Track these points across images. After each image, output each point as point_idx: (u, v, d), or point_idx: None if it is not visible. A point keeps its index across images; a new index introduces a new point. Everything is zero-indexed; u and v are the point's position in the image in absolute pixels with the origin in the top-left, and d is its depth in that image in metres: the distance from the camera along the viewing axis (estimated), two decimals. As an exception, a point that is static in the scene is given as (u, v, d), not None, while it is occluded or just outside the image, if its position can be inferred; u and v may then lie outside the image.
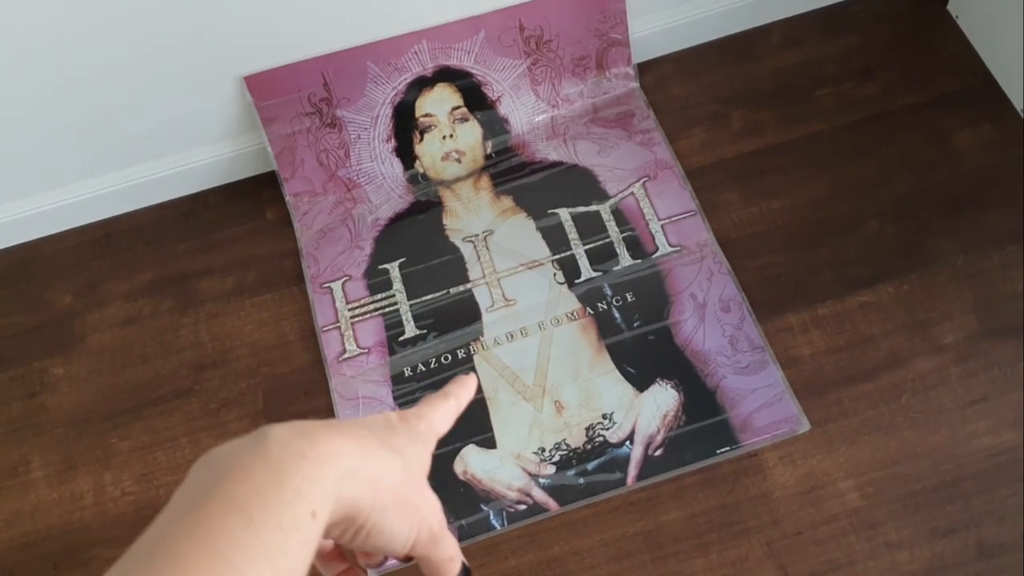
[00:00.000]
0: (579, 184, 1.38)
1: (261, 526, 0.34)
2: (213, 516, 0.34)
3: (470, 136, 1.42)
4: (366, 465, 0.39)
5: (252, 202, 1.45)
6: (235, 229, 1.43)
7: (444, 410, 0.47)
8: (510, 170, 1.41)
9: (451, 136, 1.42)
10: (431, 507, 0.43)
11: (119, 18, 1.20)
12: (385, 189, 1.42)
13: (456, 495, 1.17)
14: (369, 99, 1.39)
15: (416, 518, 0.41)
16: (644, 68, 1.46)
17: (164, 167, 1.42)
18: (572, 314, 1.27)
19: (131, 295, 1.39)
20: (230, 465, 0.36)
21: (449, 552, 0.44)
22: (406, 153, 1.42)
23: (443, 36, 1.36)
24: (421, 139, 1.42)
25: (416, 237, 1.37)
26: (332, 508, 0.37)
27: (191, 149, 1.41)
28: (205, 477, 0.36)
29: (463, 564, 0.46)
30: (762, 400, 1.18)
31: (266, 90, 1.34)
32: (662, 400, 1.20)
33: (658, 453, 1.17)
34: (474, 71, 1.40)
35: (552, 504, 1.16)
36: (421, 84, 1.40)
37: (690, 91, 1.45)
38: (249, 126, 1.39)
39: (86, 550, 1.21)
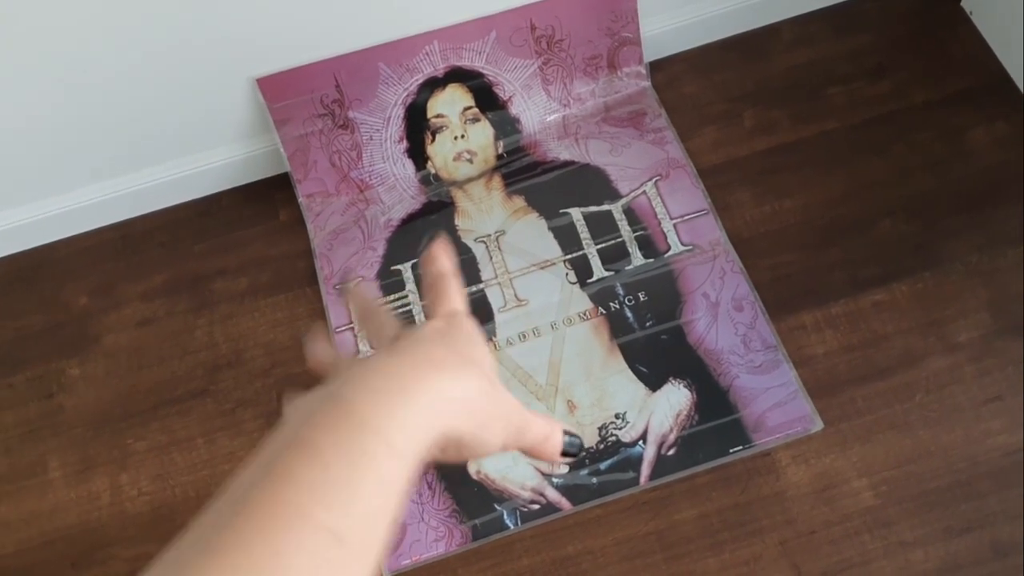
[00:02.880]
0: (591, 183, 1.38)
1: (334, 468, 0.33)
2: (289, 463, 0.33)
3: (482, 136, 1.42)
4: (452, 386, 0.38)
5: (266, 204, 1.46)
6: (249, 230, 1.44)
7: (460, 292, 0.46)
8: (522, 170, 1.41)
9: (463, 136, 1.42)
10: (509, 401, 0.41)
11: (132, 21, 1.21)
12: (398, 190, 1.42)
13: (470, 494, 1.18)
14: (381, 100, 1.39)
15: (504, 420, 0.40)
16: (655, 67, 1.46)
17: (178, 169, 1.43)
18: (584, 314, 1.28)
19: (147, 296, 1.40)
20: (308, 413, 0.35)
21: (541, 432, 0.42)
22: (418, 154, 1.42)
23: (454, 37, 1.36)
24: (433, 140, 1.42)
25: (428, 238, 1.38)
26: (427, 439, 0.36)
27: (205, 151, 1.42)
28: (287, 428, 0.35)
29: (565, 434, 0.43)
30: (775, 399, 1.18)
31: (278, 92, 1.35)
32: (675, 399, 1.20)
33: (671, 452, 1.17)
34: (485, 71, 1.40)
35: (565, 504, 1.16)
36: (433, 85, 1.40)
37: (702, 90, 1.44)
38: (262, 128, 1.40)
39: (103, 549, 1.22)
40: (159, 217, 1.47)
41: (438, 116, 1.42)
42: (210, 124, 1.39)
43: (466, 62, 1.39)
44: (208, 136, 1.40)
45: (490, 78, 1.41)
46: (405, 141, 1.42)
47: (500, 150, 1.43)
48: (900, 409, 1.16)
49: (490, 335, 1.28)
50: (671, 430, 1.18)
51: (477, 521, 1.17)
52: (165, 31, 1.23)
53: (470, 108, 1.42)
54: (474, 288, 1.32)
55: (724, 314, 1.25)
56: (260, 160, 1.45)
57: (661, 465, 1.17)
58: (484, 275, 1.33)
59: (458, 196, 1.41)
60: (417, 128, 1.42)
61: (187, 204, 1.47)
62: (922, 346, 1.20)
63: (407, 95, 1.40)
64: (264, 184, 1.48)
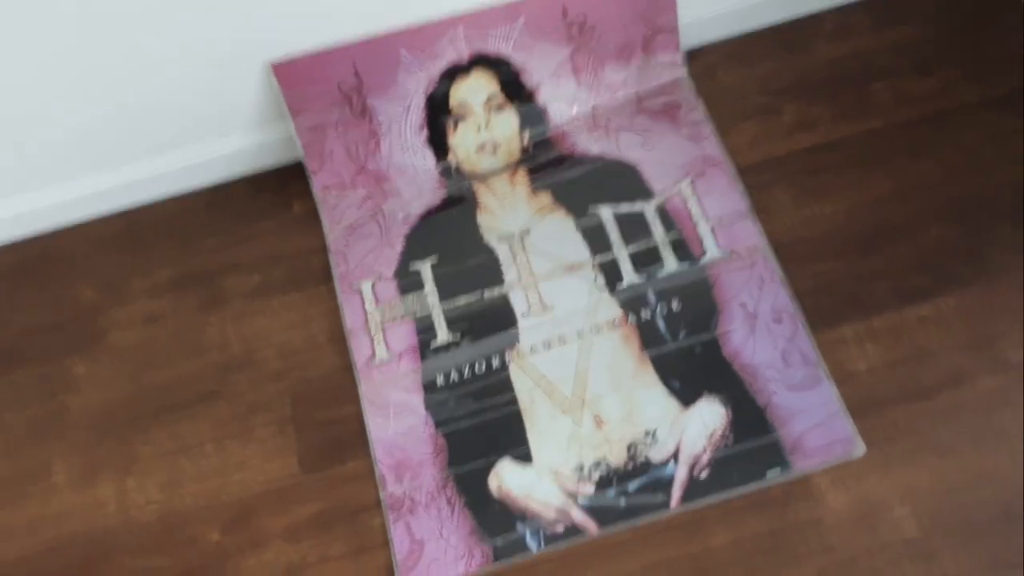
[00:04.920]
0: (622, 180, 1.31)
1: None
2: None
3: (506, 127, 1.35)
4: None
5: (279, 194, 1.39)
6: (261, 223, 1.37)
7: None
8: (548, 164, 1.34)
9: (486, 126, 1.35)
10: None
11: (143, 4, 1.14)
12: (417, 183, 1.35)
13: (491, 512, 1.13)
14: (401, 87, 1.32)
15: None
16: (691, 56, 1.39)
17: (188, 157, 1.36)
18: (613, 322, 1.21)
19: (154, 291, 1.34)
20: None
21: None
22: (439, 145, 1.35)
23: (480, 22, 1.28)
24: (455, 129, 1.35)
25: (449, 235, 1.31)
26: None
27: (216, 138, 1.35)
28: None
29: None
30: (815, 419, 1.12)
31: (294, 78, 1.28)
32: (709, 417, 1.14)
33: (703, 475, 1.12)
34: (512, 58, 1.33)
35: (591, 526, 1.11)
36: (456, 72, 1.32)
37: (740, 81, 1.37)
38: (276, 115, 1.33)
39: (110, 558, 1.17)
40: (168, 207, 1.40)
41: (461, 104, 1.34)
42: (222, 110, 1.32)
43: (492, 48, 1.31)
44: (220, 123, 1.34)
45: (517, 65, 1.33)
46: (426, 130, 1.35)
47: (525, 142, 1.36)
48: (945, 432, 1.10)
49: (512, 341, 1.22)
50: (704, 450, 1.13)
51: (498, 540, 1.11)
52: (177, 12, 1.16)
53: (495, 96, 1.34)
54: (496, 291, 1.26)
55: (762, 326, 1.19)
56: (273, 148, 1.38)
57: (693, 488, 1.11)
58: (507, 277, 1.27)
59: (480, 191, 1.34)
60: (438, 117, 1.34)
61: (197, 193, 1.41)
62: (970, 364, 1.13)
63: (429, 82, 1.32)
64: (277, 173, 1.41)
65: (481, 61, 1.32)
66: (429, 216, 1.33)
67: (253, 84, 1.28)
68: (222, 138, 1.35)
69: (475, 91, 1.34)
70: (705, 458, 1.13)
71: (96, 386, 1.28)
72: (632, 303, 1.22)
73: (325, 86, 1.29)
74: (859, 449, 1.10)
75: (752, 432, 1.13)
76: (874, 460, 1.10)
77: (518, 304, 1.25)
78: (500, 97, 1.34)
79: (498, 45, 1.31)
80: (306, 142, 1.33)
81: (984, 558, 1.04)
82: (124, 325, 1.32)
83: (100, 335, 1.32)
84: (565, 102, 1.36)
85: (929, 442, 1.10)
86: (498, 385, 1.20)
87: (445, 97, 1.34)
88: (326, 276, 1.31)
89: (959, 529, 1.05)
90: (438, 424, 1.18)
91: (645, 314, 1.21)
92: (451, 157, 1.35)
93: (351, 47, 1.27)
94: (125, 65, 1.21)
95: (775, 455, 1.11)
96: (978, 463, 1.08)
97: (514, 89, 1.34)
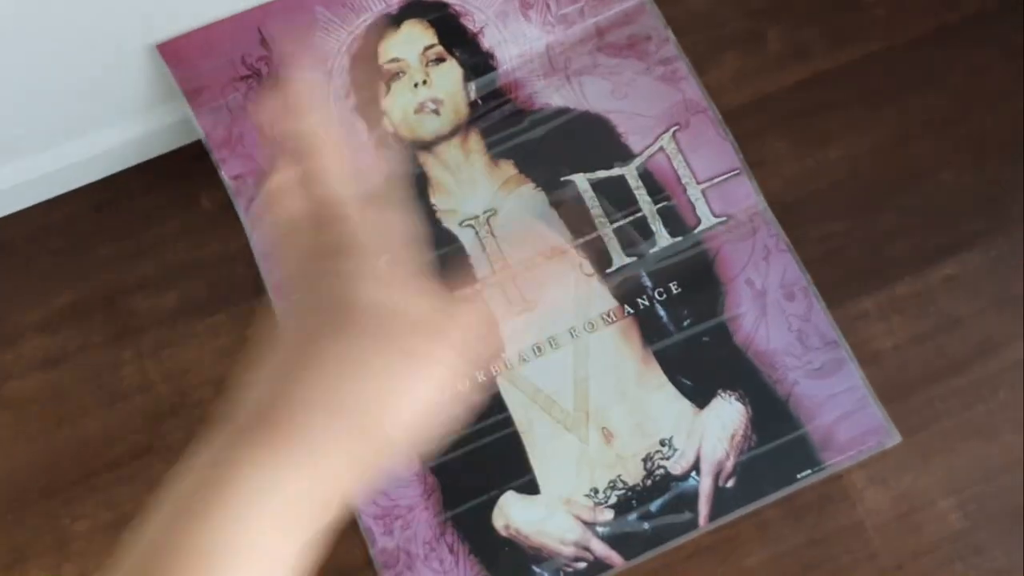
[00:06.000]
0: (594, 138, 1.13)
1: None
2: None
3: (448, 80, 1.13)
4: None
5: (181, 185, 1.14)
6: (165, 225, 1.13)
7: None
8: (504, 123, 1.14)
9: (424, 83, 1.12)
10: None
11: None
12: (349, 159, 1.13)
13: (501, 556, 1.00)
14: (319, 51, 1.07)
15: None
16: (653, -28, 1.18)
17: (64, 156, 1.10)
18: (608, 315, 1.06)
19: (48, 325, 1.11)
20: None
21: None
22: (370, 113, 1.13)
23: (412, -35, 1.04)
24: (388, 91, 1.12)
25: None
26: None
27: (94, 132, 1.09)
28: None
29: None
30: (843, 408, 1.02)
31: (187, 57, 1.02)
32: (727, 417, 1.03)
33: (730, 484, 1.01)
34: (450, 1, 1.09)
35: (616, 558, 1.00)
36: (384, 25, 1.09)
37: (713, 3, 1.17)
38: (167, 95, 1.07)
39: (59, 658, 1.01)
40: (46, 213, 1.14)
41: (393, 60, 1.11)
42: (98, 100, 1.05)
43: (427, -7, 1.08)
44: (97, 114, 1.07)
45: (456, 8, 1.10)
46: (352, 96, 1.12)
47: (473, 95, 1.14)
48: (983, 410, 1.02)
49: (497, 351, 1.06)
50: (727, 456, 1.02)
51: (513, 586, 1.00)
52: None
53: (432, 47, 1.12)
54: (469, 290, 1.08)
55: (774, 305, 1.06)
56: (168, 133, 1.12)
57: (721, 500, 1.01)
58: (479, 272, 1.09)
59: (429, 164, 1.13)
60: (368, 79, 1.11)
61: (81, 192, 1.15)
62: (1001, 329, 1.04)
63: (352, 40, 1.08)
64: (175, 157, 1.16)
65: (413, 8, 1.09)
66: (371, 200, 1.12)
67: (135, 70, 1.02)
68: (102, 130, 1.09)
69: (408, 43, 1.11)
70: (729, 464, 1.02)
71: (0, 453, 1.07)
72: (626, 290, 1.07)
73: (224, 59, 1.04)
74: (894, 438, 1.01)
75: (777, 429, 1.02)
76: (911, 449, 1.01)
77: (497, 304, 1.07)
78: (438, 48, 1.12)
79: (434, -12, 1.07)
80: (208, 128, 1.08)
81: (1034, 545, 0.98)
82: (18, 372, 1.09)
83: (-10, 388, 1.09)
84: (515, 43, 1.14)
85: (967, 423, 1.01)
86: (488, 405, 1.04)
87: (373, 54, 1.10)
88: (257, 286, 1.10)
89: (1005, 517, 0.99)
90: (424, 460, 1.03)
91: (642, 302, 1.06)
92: (386, 123, 1.13)
93: (254, 13, 1.01)
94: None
95: (805, 454, 1.01)
96: (1018, 443, 1.01)
97: (454, 37, 1.12)
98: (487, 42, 1.13)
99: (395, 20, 1.09)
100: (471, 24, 1.11)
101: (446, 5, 1.09)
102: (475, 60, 1.13)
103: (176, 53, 1.01)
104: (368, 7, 1.06)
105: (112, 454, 1.06)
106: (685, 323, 1.06)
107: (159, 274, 1.12)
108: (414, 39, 1.11)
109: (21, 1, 0.88)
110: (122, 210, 1.14)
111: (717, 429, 1.02)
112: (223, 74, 1.05)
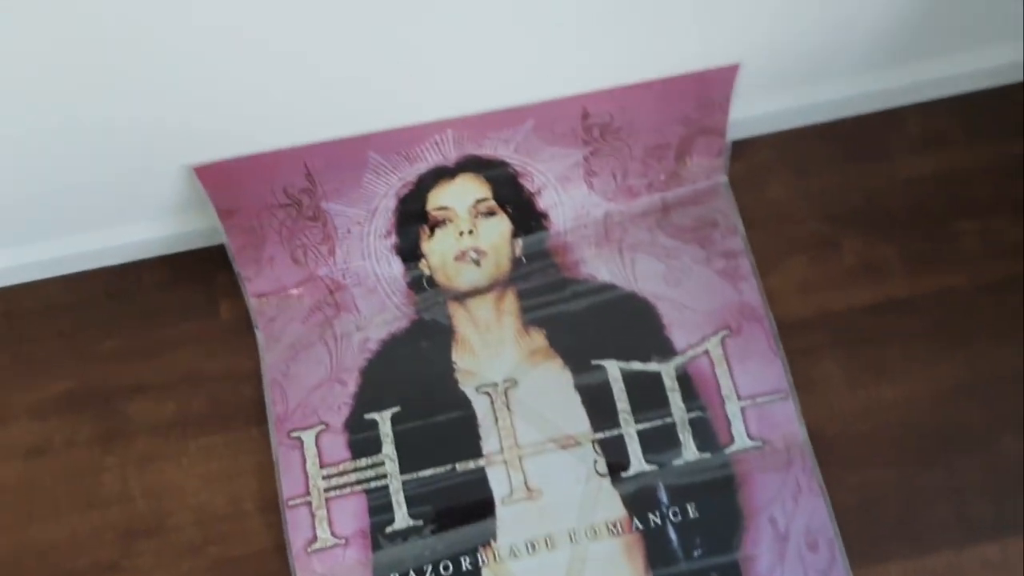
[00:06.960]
0: (635, 324, 1.05)
1: None
2: None
3: (495, 233, 1.07)
4: None
5: (202, 289, 1.10)
6: (179, 327, 1.09)
7: None
8: (545, 287, 1.07)
9: (470, 232, 1.06)
10: None
11: (34, 88, 0.81)
12: (379, 295, 1.07)
13: None
14: (367, 191, 1.02)
15: None
16: (733, 152, 1.10)
17: (84, 243, 1.06)
18: (615, 526, 0.99)
19: (40, 411, 1.06)
20: None
21: None
22: (409, 252, 1.07)
23: (476, 125, 0.98)
24: (431, 235, 1.06)
25: (416, 375, 1.05)
26: None
27: (121, 225, 1.05)
28: None
29: None
30: None
31: (225, 182, 0.97)
32: (722, 668, 0.95)
33: None
34: (511, 161, 1.03)
35: None
36: (439, 174, 1.03)
37: (791, 195, 1.09)
38: (198, 205, 1.02)
39: None
40: (60, 291, 1.10)
41: (441, 208, 1.05)
42: (128, 198, 1.01)
43: (488, 151, 1.01)
44: (125, 207, 1.03)
45: (515, 168, 1.04)
46: (394, 236, 1.06)
47: (518, 252, 1.08)
48: None
49: (487, 536, 0.99)
50: None
51: None
52: (81, 96, 0.84)
53: (484, 200, 1.05)
54: (472, 464, 1.01)
55: (794, 551, 0.97)
56: (195, 236, 1.08)
57: None
58: (487, 446, 1.02)
59: (458, 316, 1.07)
60: (412, 222, 1.05)
61: (96, 274, 1.11)
62: (1036, 630, 0.95)
63: (402, 185, 1.02)
64: (200, 257, 1.11)
65: (471, 163, 1.02)
66: (392, 344, 1.06)
67: (171, 179, 0.97)
68: (130, 225, 1.05)
69: (460, 195, 1.04)
70: None
71: (-35, 539, 1.03)
72: (639, 500, 0.99)
73: (265, 187, 0.99)
74: None
75: None
76: None
77: (498, 485, 1.01)
78: (490, 202, 1.05)
79: (496, 148, 1.01)
80: (238, 246, 1.03)
81: None
82: (3, 454, 1.05)
83: (-30, 467, 1.05)
84: (571, 206, 1.07)
85: None
86: (468, 598, 0.98)
87: (422, 200, 1.04)
88: (259, 414, 1.05)
89: None
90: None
91: (654, 519, 0.99)
92: (423, 265, 1.07)
93: (303, 150, 0.96)
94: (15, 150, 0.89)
95: None
96: None
97: (509, 194, 1.05)
98: (543, 203, 1.07)
99: (450, 172, 1.03)
100: (529, 184, 1.05)
101: (506, 164, 1.03)
102: (527, 218, 1.07)
103: (215, 176, 0.96)
104: (423, 157, 1.00)
105: (77, 565, 1.01)
106: (696, 552, 0.98)
107: (160, 381, 1.07)
108: (467, 191, 1.04)
109: (66, 103, 0.84)
110: (135, 304, 1.10)
111: (707, 677, 0.95)
112: (262, 200, 1.00)
